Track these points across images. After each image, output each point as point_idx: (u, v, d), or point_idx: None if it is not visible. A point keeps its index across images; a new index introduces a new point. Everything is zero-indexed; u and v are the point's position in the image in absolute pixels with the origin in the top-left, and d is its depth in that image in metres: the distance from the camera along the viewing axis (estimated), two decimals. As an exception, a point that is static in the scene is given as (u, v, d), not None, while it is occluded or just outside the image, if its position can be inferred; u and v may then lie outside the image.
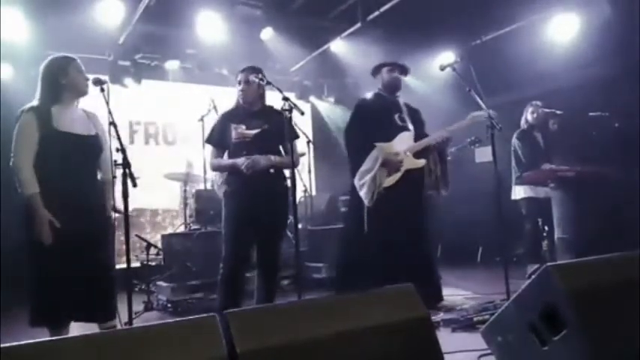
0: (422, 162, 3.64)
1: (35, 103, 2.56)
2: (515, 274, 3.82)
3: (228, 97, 3.52)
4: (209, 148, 3.32)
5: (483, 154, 5.77)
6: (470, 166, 6.16)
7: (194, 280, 4.21)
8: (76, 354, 1.16)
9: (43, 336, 2.26)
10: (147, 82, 6.35)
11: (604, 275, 1.84)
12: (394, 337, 1.54)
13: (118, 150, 2.36)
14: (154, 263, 4.55)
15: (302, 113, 2.86)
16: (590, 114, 4.49)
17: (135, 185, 2.36)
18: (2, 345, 1.11)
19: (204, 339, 1.26)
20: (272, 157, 3.07)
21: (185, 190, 5.13)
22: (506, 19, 5.76)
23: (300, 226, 4.00)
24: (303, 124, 4.51)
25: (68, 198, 2.47)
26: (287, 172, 3.20)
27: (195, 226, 4.77)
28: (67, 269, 2.43)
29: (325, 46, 6.68)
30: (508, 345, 1.87)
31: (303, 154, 4.90)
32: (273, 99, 3.14)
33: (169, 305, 4.15)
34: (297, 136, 3.24)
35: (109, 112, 2.50)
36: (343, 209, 5.68)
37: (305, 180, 5.41)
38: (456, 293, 4.10)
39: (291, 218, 3.29)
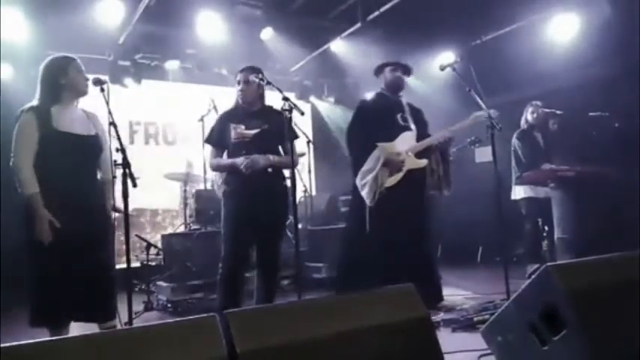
0: (424, 162, 3.64)
1: (35, 103, 2.56)
2: (515, 274, 3.82)
3: (228, 97, 3.52)
4: (208, 148, 3.32)
5: (483, 154, 5.77)
6: (470, 166, 6.16)
7: (194, 280, 4.21)
8: (76, 354, 1.16)
9: (43, 336, 2.26)
10: (147, 82, 6.35)
11: (604, 275, 1.84)
12: (394, 337, 1.54)
13: (117, 150, 2.36)
14: (154, 263, 4.56)
15: (302, 113, 2.85)
16: (590, 114, 4.50)
17: (135, 185, 2.36)
18: (2, 345, 1.11)
19: (204, 339, 1.26)
20: (271, 157, 3.07)
21: (185, 190, 5.14)
22: (506, 19, 5.76)
23: (300, 226, 3.99)
24: (303, 124, 4.51)
25: (68, 198, 2.47)
26: (287, 172, 3.20)
27: (195, 226, 4.77)
28: (67, 269, 2.43)
29: (325, 46, 6.69)
30: (508, 345, 1.87)
31: (302, 154, 4.90)
32: (273, 99, 3.14)
33: (169, 305, 4.15)
34: (297, 136, 3.24)
35: (109, 112, 2.50)
36: (343, 209, 5.69)
37: (305, 180, 5.41)
38: (456, 293, 4.10)
39: (291, 218, 3.30)
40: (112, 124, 2.46)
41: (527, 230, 4.78)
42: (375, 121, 3.60)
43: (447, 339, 2.66)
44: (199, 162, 5.10)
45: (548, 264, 1.78)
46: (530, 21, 5.63)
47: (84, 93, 2.67)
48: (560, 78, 5.35)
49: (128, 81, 6.16)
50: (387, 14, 5.67)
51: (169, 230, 6.13)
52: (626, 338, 1.75)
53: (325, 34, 6.59)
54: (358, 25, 6.00)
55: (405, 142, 3.61)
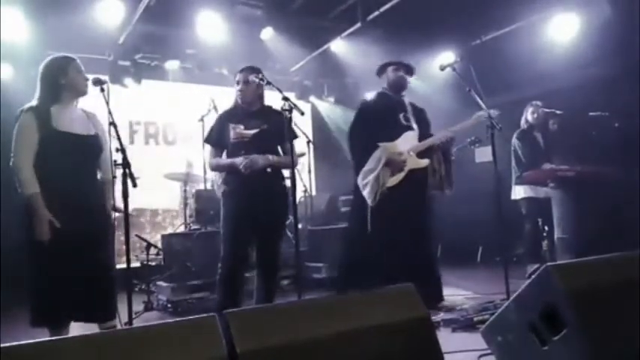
0: (425, 162, 3.63)
1: (35, 103, 2.56)
2: (515, 274, 3.82)
3: (228, 97, 3.52)
4: (208, 147, 3.33)
5: (483, 154, 5.76)
6: (470, 166, 6.16)
7: (194, 280, 4.21)
8: (76, 354, 1.16)
9: (43, 336, 2.26)
10: (147, 82, 6.35)
11: (604, 275, 1.84)
12: (394, 337, 1.54)
13: (117, 150, 2.36)
14: (154, 263, 4.56)
15: (302, 113, 2.85)
16: (590, 114, 4.50)
17: (135, 185, 2.36)
18: (2, 345, 1.10)
19: (204, 339, 1.26)
20: (270, 157, 3.07)
21: (185, 190, 5.14)
22: (506, 19, 5.76)
23: (300, 226, 4.00)
24: (303, 124, 4.50)
25: (68, 198, 2.47)
26: (286, 172, 3.20)
27: (195, 226, 4.77)
28: (67, 269, 2.43)
29: (325, 46, 6.68)
30: (508, 345, 1.87)
31: (302, 154, 4.90)
32: (273, 99, 3.14)
33: (169, 305, 4.15)
34: (296, 136, 3.23)
35: (109, 112, 2.50)
36: (343, 209, 5.69)
37: (305, 180, 5.41)
38: (456, 293, 4.10)
39: (291, 218, 3.29)
40: (112, 124, 2.46)
41: (527, 230, 4.78)
42: (377, 120, 3.60)
43: (447, 339, 2.65)
44: (199, 162, 5.10)
45: (548, 264, 1.78)
46: (530, 21, 5.63)
47: (84, 93, 2.67)
48: (560, 78, 5.35)
49: (128, 81, 6.16)
50: (387, 14, 5.67)
51: (169, 230, 6.13)
52: (626, 338, 1.75)
53: (325, 34, 6.59)
54: (358, 25, 6.00)
55: (407, 142, 3.61)
